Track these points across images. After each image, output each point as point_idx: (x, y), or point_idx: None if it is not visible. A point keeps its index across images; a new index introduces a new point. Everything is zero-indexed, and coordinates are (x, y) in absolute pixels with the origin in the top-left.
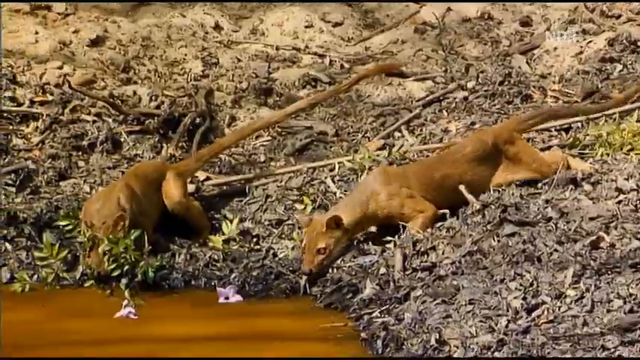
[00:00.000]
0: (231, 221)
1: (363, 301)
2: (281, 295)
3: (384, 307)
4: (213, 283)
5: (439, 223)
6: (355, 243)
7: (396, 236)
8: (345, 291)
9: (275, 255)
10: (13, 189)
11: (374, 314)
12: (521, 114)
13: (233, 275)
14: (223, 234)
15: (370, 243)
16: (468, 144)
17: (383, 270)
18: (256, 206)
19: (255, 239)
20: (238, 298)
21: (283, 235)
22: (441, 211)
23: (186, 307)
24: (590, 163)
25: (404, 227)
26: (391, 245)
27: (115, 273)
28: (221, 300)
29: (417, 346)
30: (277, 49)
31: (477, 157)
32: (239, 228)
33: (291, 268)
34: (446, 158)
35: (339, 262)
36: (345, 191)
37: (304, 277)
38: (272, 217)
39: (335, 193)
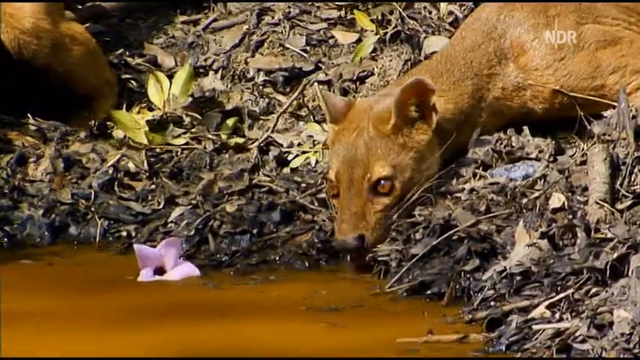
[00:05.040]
0: (169, 75)
1: (505, 279)
2: (302, 265)
3: (558, 296)
4: (123, 234)
5: None
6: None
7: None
8: (461, 254)
9: (283, 162)
10: None
11: (535, 312)
12: None
13: (177, 213)
14: (151, 108)
15: (526, 130)
16: None
17: (557, 199)
18: (236, 33)
19: (234, 118)
20: (190, 270)
21: (304, 108)
22: None
23: (51, 295)
24: None
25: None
26: (574, 134)
27: None
28: (145, 276)
29: None
30: None
31: None
32: (191, 90)
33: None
34: None
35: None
36: None
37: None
38: (274, 64)
39: None
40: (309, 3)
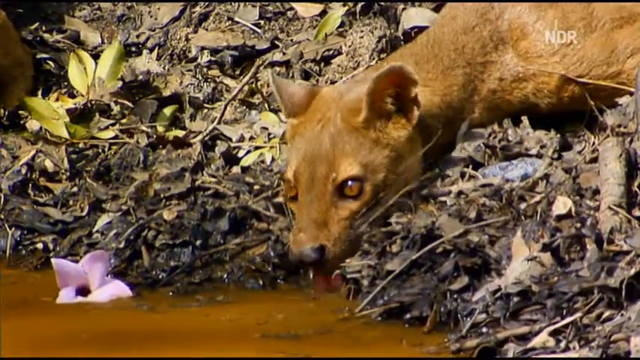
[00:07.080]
0: (95, 54)
1: (500, 301)
2: (255, 283)
3: (563, 320)
4: (39, 246)
5: None
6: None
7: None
8: (446, 270)
9: (232, 160)
10: None
11: (536, 340)
12: None
13: (104, 221)
14: (73, 95)
15: (525, 121)
16: None
17: (562, 204)
18: (175, 4)
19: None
20: (120, 289)
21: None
22: None
23: None
24: None
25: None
26: (583, 126)
27: None
28: (65, 297)
29: None
30: None
31: None
32: (121, 73)
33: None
34: None
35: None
36: None
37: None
38: (221, 42)
39: None
40: None
